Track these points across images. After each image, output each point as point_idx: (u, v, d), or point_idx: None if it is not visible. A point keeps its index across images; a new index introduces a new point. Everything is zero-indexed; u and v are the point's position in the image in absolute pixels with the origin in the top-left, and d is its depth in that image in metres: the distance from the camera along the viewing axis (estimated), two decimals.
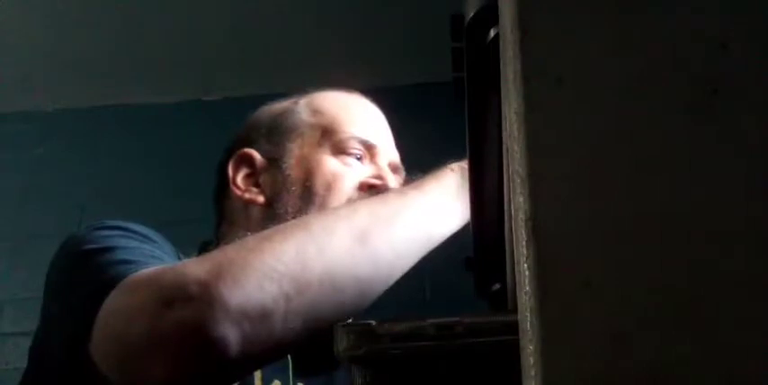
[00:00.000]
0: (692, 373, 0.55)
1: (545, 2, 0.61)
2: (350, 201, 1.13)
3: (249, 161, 1.22)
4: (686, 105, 0.59)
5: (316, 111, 1.22)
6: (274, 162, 1.19)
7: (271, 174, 1.18)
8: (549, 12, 0.61)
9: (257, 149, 1.22)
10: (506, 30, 0.63)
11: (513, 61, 0.61)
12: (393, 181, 1.20)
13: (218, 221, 1.26)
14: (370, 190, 1.17)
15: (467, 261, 1.74)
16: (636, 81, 0.59)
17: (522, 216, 0.58)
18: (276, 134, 1.21)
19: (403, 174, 1.27)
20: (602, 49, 0.60)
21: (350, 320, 1.13)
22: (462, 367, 0.73)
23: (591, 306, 0.56)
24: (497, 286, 1.49)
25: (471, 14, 1.09)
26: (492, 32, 1.07)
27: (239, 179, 1.21)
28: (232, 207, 1.21)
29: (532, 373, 0.55)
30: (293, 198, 1.14)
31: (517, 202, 0.59)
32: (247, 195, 1.19)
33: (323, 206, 1.12)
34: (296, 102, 1.27)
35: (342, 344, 0.74)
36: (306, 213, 1.09)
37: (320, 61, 2.92)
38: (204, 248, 1.18)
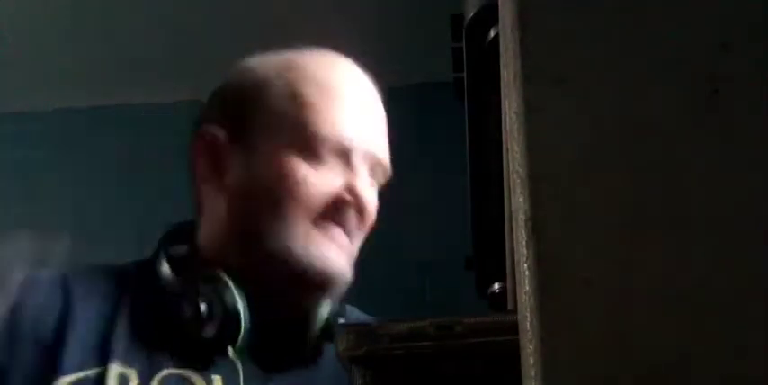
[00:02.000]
0: (692, 373, 0.55)
1: (545, 2, 0.61)
2: (316, 219, 1.03)
3: (213, 143, 1.09)
4: (686, 105, 0.59)
5: (295, 97, 1.08)
6: (241, 151, 1.07)
7: (236, 165, 1.07)
8: (549, 12, 0.61)
9: (223, 128, 1.09)
10: (506, 30, 0.63)
11: (513, 61, 0.61)
12: (366, 191, 1.07)
13: (193, 198, 1.13)
14: (340, 205, 1.05)
15: (467, 261, 1.74)
16: (636, 81, 0.59)
17: (522, 216, 0.58)
18: (247, 115, 1.08)
19: (387, 169, 1.14)
20: (603, 49, 0.60)
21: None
22: (462, 367, 0.73)
23: (591, 306, 0.56)
24: (497, 286, 1.50)
25: (471, 14, 1.09)
26: (492, 32, 1.07)
27: (202, 166, 1.09)
28: (197, 194, 1.10)
29: (532, 373, 0.55)
30: (255, 203, 1.05)
31: (517, 202, 0.59)
32: (207, 187, 1.08)
33: (285, 218, 1.02)
34: (279, 76, 1.11)
35: (342, 344, 0.74)
36: (268, 225, 1.02)
37: None
38: (171, 236, 1.09)
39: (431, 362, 0.73)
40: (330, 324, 1.06)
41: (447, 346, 0.72)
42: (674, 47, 0.60)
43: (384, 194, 3.29)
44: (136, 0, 2.75)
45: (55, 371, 0.98)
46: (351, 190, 1.06)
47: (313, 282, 1.04)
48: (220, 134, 1.09)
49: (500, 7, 0.67)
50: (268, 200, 1.04)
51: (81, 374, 0.99)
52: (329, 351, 1.06)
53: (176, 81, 2.88)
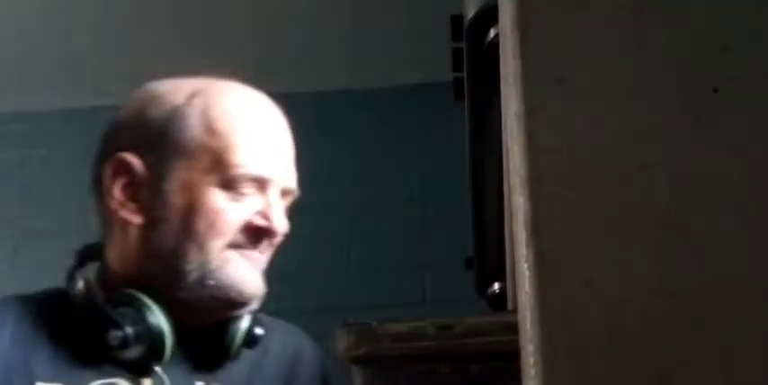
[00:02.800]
0: (693, 373, 0.55)
1: (545, 2, 0.61)
2: (231, 244, 1.08)
3: (128, 169, 1.11)
4: (686, 105, 0.59)
5: (210, 130, 1.11)
6: (156, 179, 1.10)
7: (150, 192, 1.10)
8: (549, 12, 0.61)
9: (138, 156, 1.12)
10: (506, 30, 0.63)
11: (513, 61, 0.61)
12: (279, 218, 1.09)
13: (100, 219, 1.16)
14: (254, 231, 1.08)
15: (467, 261, 1.74)
16: (636, 81, 0.59)
17: (522, 216, 0.58)
18: (161, 144, 1.12)
19: (295, 194, 1.18)
20: (603, 48, 0.60)
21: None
22: (462, 367, 0.73)
23: (591, 306, 0.56)
24: (497, 286, 1.50)
25: (471, 14, 1.09)
26: (492, 32, 1.07)
27: (116, 190, 1.11)
28: (108, 217, 1.13)
29: (532, 373, 0.55)
30: (172, 230, 1.08)
31: (517, 202, 0.59)
32: (123, 213, 1.10)
33: (202, 246, 1.06)
34: (189, 104, 1.14)
35: (342, 344, 0.74)
36: (184, 251, 1.06)
37: (321, 61, 2.92)
38: (86, 253, 1.13)
39: (431, 362, 0.73)
40: (249, 333, 1.10)
41: (447, 346, 0.72)
42: (674, 47, 0.60)
43: (384, 194, 3.25)
44: (137, 0, 2.75)
45: None
46: (265, 217, 1.09)
47: (229, 302, 1.08)
48: (136, 162, 1.11)
49: (500, 7, 0.67)
50: (184, 228, 1.07)
51: None
52: (244, 353, 1.11)
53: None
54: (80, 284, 1.09)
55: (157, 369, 1.06)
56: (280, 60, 2.88)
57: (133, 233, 1.10)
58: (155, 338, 1.04)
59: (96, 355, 1.05)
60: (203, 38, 2.82)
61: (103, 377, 1.05)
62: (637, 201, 0.57)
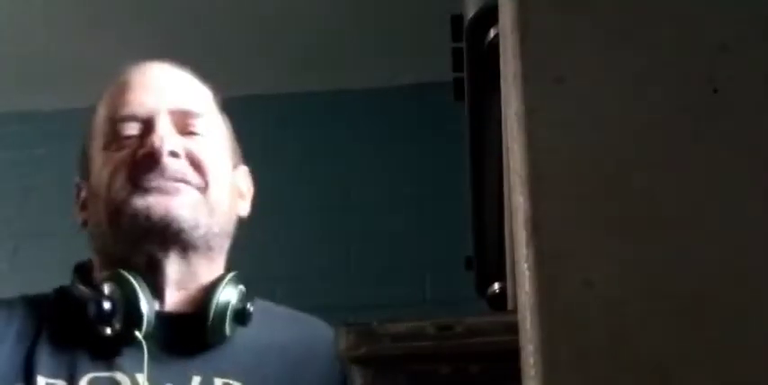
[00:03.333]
0: (693, 373, 0.55)
1: (545, 2, 0.61)
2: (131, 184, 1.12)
3: (80, 189, 1.21)
4: (686, 105, 0.59)
5: (103, 105, 1.23)
6: (86, 179, 1.19)
7: (88, 194, 1.19)
8: (549, 12, 0.61)
9: (79, 172, 1.22)
10: (506, 30, 0.63)
11: (513, 61, 0.61)
12: (168, 141, 1.12)
13: None
14: (141, 161, 1.12)
15: (467, 261, 1.74)
16: (636, 81, 0.59)
17: (522, 216, 0.58)
18: (85, 147, 1.22)
19: (199, 116, 1.18)
20: (603, 49, 0.60)
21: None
22: (462, 367, 0.73)
23: (591, 306, 0.56)
24: (497, 286, 1.50)
25: (471, 14, 1.09)
26: (492, 32, 1.07)
27: (76, 210, 1.21)
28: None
29: (532, 373, 0.55)
30: (93, 212, 1.16)
31: (517, 202, 0.59)
32: (79, 222, 1.20)
33: (110, 207, 1.12)
34: (101, 99, 1.27)
35: (342, 344, 0.74)
36: (103, 224, 1.13)
37: (321, 61, 2.92)
38: (80, 270, 1.19)
39: (431, 362, 0.73)
40: (239, 309, 1.11)
41: (447, 346, 0.72)
42: (674, 47, 0.60)
43: (384, 194, 3.25)
44: (137, 0, 2.75)
45: None
46: (141, 145, 1.13)
47: (156, 227, 1.10)
48: (77, 179, 1.21)
49: (500, 7, 0.67)
50: (97, 198, 1.14)
51: None
52: (241, 333, 1.12)
53: None
54: (77, 280, 1.14)
55: (138, 336, 1.08)
56: (279, 60, 2.87)
57: (89, 237, 1.17)
58: (130, 305, 1.07)
59: (95, 351, 1.08)
60: (203, 39, 2.82)
61: (100, 370, 1.08)
62: (637, 201, 0.57)
